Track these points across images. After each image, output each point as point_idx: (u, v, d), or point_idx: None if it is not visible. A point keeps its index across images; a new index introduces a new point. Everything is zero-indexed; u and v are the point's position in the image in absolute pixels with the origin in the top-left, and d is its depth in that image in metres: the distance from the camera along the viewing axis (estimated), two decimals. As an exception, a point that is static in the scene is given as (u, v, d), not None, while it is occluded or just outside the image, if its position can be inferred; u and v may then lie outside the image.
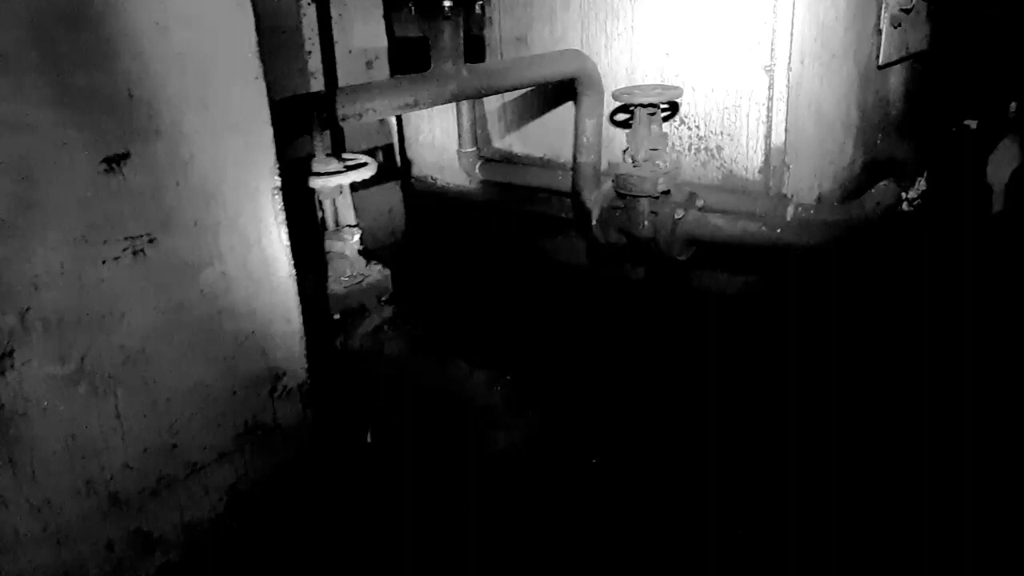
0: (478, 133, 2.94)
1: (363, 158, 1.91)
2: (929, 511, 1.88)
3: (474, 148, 2.93)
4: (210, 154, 1.27)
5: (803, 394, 2.24)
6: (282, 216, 1.38)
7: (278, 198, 1.38)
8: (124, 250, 1.16)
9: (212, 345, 1.29)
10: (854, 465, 2.04)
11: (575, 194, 2.49)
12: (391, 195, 3.19)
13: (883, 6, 2.41)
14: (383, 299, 1.82)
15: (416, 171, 3.23)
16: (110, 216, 1.14)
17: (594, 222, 2.41)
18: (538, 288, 2.79)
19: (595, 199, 2.41)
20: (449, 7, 2.08)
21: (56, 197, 1.08)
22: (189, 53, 1.22)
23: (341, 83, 2.88)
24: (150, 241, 1.20)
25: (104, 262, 1.14)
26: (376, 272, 1.86)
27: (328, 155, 1.85)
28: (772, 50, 2.11)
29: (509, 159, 2.88)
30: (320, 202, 1.87)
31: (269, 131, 1.36)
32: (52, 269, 1.08)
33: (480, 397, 1.56)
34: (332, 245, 1.81)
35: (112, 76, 1.12)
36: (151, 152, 1.18)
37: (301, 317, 1.42)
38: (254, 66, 1.33)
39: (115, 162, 1.15)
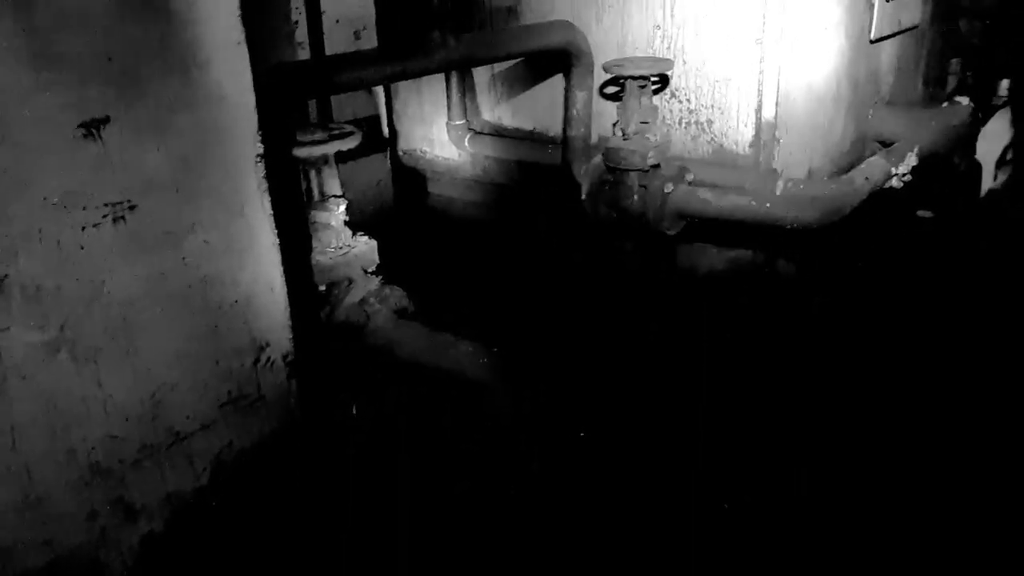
0: (468, 106, 2.90)
1: (349, 128, 1.88)
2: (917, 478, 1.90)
3: (463, 121, 2.89)
4: (191, 120, 1.25)
5: (789, 368, 2.25)
6: (265, 185, 1.36)
7: (261, 166, 1.36)
8: (104, 216, 1.14)
9: (195, 314, 1.28)
10: (842, 439, 2.05)
11: (565, 167, 2.47)
12: (379, 168, 3.16)
13: (877, -21, 2.39)
14: (369, 270, 1.81)
15: (404, 144, 3.19)
16: (89, 182, 1.12)
17: (584, 196, 2.39)
18: (527, 263, 2.78)
19: (585, 173, 2.39)
20: (438, -25, 2.05)
21: (32, 162, 1.06)
22: (170, 18, 1.19)
23: (329, 53, 2.84)
24: (131, 208, 1.18)
25: (84, 228, 1.12)
26: (362, 243, 1.85)
27: (313, 125, 1.83)
28: (763, 23, 2.09)
29: (499, 132, 2.85)
30: (306, 172, 1.85)
31: (251, 98, 1.34)
32: (30, 235, 1.06)
33: (466, 368, 1.55)
34: (318, 216, 1.79)
35: (90, 39, 1.09)
36: (131, 117, 1.16)
37: (285, 287, 1.40)
38: (236, 31, 1.30)
39: (93, 127, 1.13)
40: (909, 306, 2.49)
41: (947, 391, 2.22)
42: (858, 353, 2.35)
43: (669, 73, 2.28)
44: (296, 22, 2.72)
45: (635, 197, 2.24)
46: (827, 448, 2.02)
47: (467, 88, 2.88)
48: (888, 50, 2.58)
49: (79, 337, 1.13)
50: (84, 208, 1.12)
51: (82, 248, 1.13)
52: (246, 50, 1.32)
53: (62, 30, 1.07)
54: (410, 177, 3.22)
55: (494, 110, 2.87)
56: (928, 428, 2.11)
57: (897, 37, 2.58)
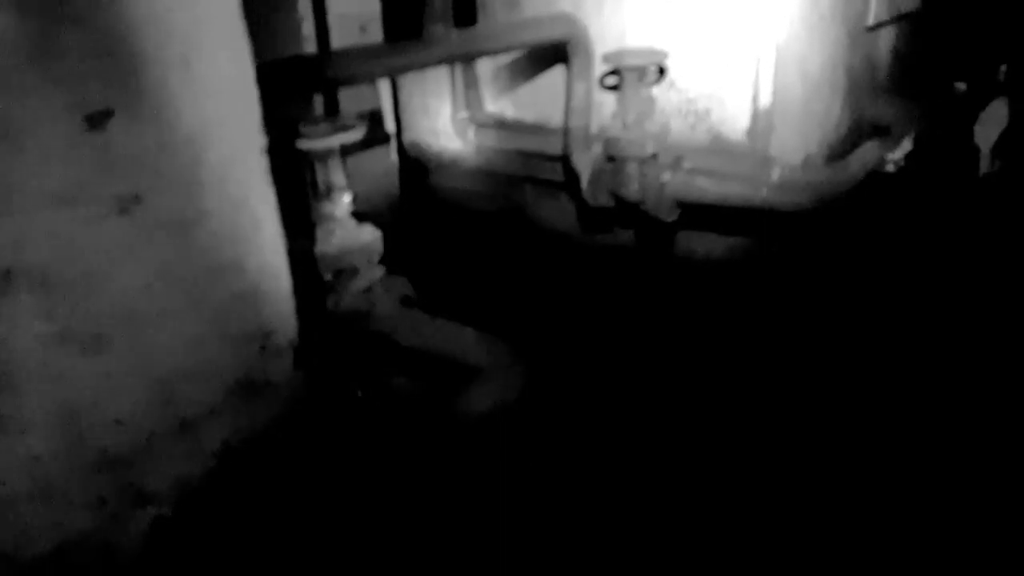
0: (471, 97, 2.94)
1: (353, 120, 1.91)
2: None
3: (467, 112, 2.93)
4: (195, 113, 1.28)
5: (785, 357, 2.28)
6: (269, 176, 1.40)
7: (265, 158, 1.39)
8: (110, 209, 1.18)
9: (202, 303, 1.31)
10: (840, 431, 2.08)
11: (566, 157, 2.50)
12: (384, 160, 3.20)
13: (874, -35, 2.40)
14: (373, 260, 1.85)
15: (409, 135, 3.23)
16: (94, 174, 1.15)
17: (584, 185, 2.43)
18: (530, 251, 2.81)
19: (585, 162, 2.43)
20: (438, -30, 2.08)
21: (37, 155, 1.08)
22: (171, 12, 1.22)
23: (335, 46, 2.88)
24: (137, 200, 1.21)
25: (89, 221, 1.15)
26: (367, 234, 1.88)
27: (318, 117, 1.87)
28: (760, 11, 2.11)
29: (502, 122, 2.88)
30: (311, 164, 1.88)
31: (254, 91, 1.37)
32: (36, 228, 1.09)
33: (469, 355, 1.59)
34: (322, 207, 1.82)
35: (93, 33, 1.12)
36: (135, 111, 1.19)
37: (290, 276, 1.44)
38: (238, 26, 1.33)
39: (98, 120, 1.16)
40: (905, 292, 2.51)
41: (940, 380, 2.24)
42: (857, 339, 2.37)
43: (667, 63, 2.30)
44: (303, 17, 2.76)
45: (634, 185, 2.28)
46: (825, 447, 2.04)
47: (470, 80, 2.91)
48: (885, 36, 2.60)
49: (87, 328, 1.16)
50: (90, 201, 1.15)
51: (89, 240, 1.16)
52: (248, 44, 1.35)
53: (63, 24, 1.10)
54: (415, 168, 3.26)
55: (497, 101, 2.90)
56: (916, 420, 2.13)
57: (895, 23, 2.60)
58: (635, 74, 2.21)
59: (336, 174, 1.85)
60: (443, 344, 1.61)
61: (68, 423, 1.18)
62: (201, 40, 1.28)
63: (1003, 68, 2.85)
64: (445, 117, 2.98)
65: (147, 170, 1.22)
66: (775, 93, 2.16)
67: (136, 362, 1.23)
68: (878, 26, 2.48)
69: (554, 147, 2.61)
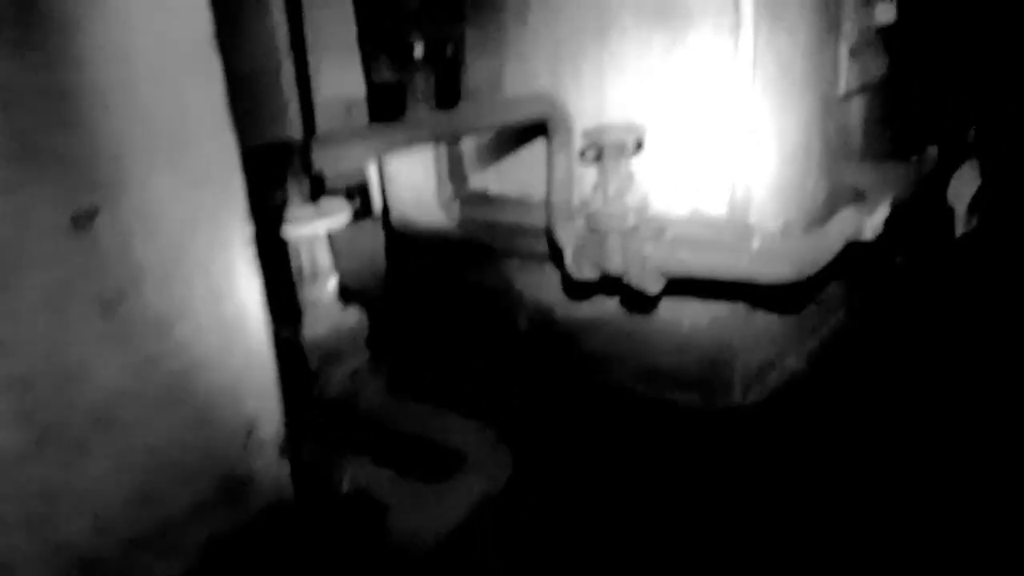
0: (455, 172, 2.99)
1: (339, 203, 1.94)
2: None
3: (452, 187, 2.98)
4: (180, 208, 1.29)
5: (776, 428, 2.27)
6: (254, 266, 1.40)
7: (250, 248, 1.40)
8: (93, 308, 1.18)
9: (184, 398, 1.30)
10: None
11: (549, 231, 2.54)
12: (371, 234, 3.22)
13: (841, 38, 2.49)
14: (360, 343, 1.85)
15: (395, 210, 3.27)
16: (78, 274, 1.15)
17: (568, 257, 2.45)
18: (515, 325, 2.82)
19: (568, 235, 2.45)
20: (420, 57, 2.15)
21: (20, 256, 1.08)
22: (157, 109, 1.24)
23: (320, 128, 2.93)
24: (120, 297, 1.22)
25: (73, 321, 1.15)
26: (353, 316, 1.89)
27: (304, 201, 1.89)
28: (735, 85, 2.17)
29: (486, 197, 2.93)
30: (297, 249, 1.90)
31: (240, 183, 1.38)
32: (19, 332, 1.09)
33: (455, 442, 1.58)
34: (308, 292, 1.84)
35: (78, 134, 1.13)
36: (121, 208, 1.20)
37: (276, 366, 1.43)
38: (223, 120, 1.35)
39: (84, 220, 1.17)
40: (888, 353, 2.53)
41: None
42: (842, 404, 2.37)
43: (645, 137, 2.35)
44: (288, 99, 2.82)
45: (617, 258, 2.30)
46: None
47: (454, 155, 2.97)
48: (857, 104, 2.67)
49: (66, 430, 1.15)
50: (73, 300, 1.15)
51: (71, 341, 1.15)
52: (234, 138, 1.37)
53: (52, 127, 1.11)
54: (401, 241, 3.29)
55: (481, 175, 2.95)
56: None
57: (866, 92, 2.68)
58: (614, 149, 2.25)
59: (322, 258, 1.86)
60: (428, 430, 1.60)
61: (47, 529, 1.16)
62: (188, 135, 1.30)
63: (972, 131, 2.94)
64: (430, 192, 3.02)
65: (131, 266, 1.22)
66: (752, 163, 2.21)
67: (115, 464, 1.21)
68: (849, 95, 2.56)
69: (537, 220, 2.65)
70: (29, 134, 1.10)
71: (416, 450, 1.59)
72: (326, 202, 1.88)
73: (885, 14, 2.48)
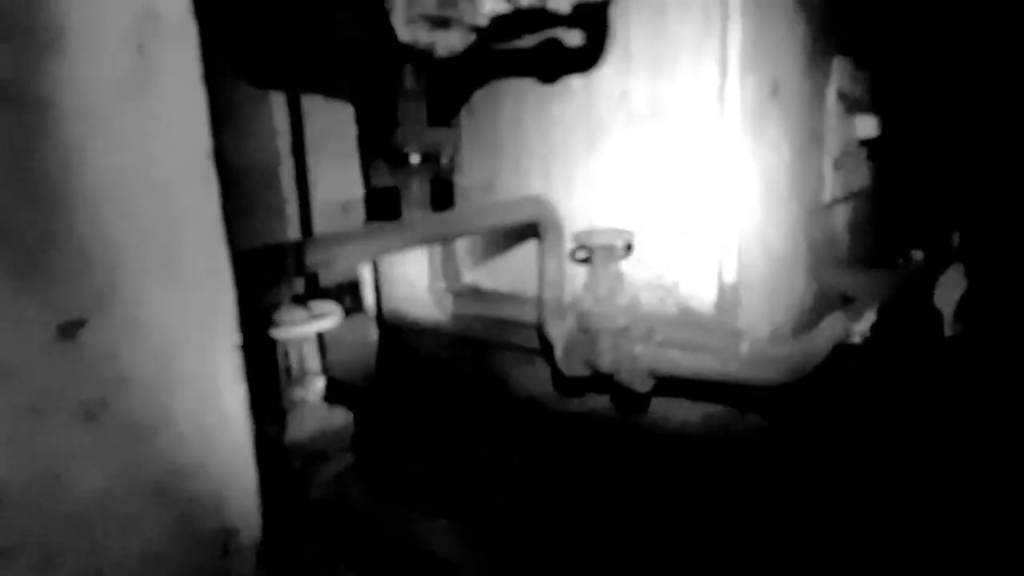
0: (448, 268, 3.04)
1: (329, 306, 1.96)
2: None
3: (445, 282, 3.02)
4: (168, 318, 1.30)
5: (765, 528, 2.24)
6: (241, 374, 1.41)
7: (237, 355, 1.41)
8: (75, 416, 1.17)
9: (163, 506, 1.29)
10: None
11: (540, 327, 2.56)
12: (363, 329, 3.24)
13: (825, 150, 2.57)
14: (345, 446, 1.84)
15: (388, 305, 3.30)
16: (63, 382, 1.15)
17: (559, 354, 2.47)
18: (507, 422, 2.80)
19: (559, 332, 2.48)
20: (416, 163, 2.22)
21: (6, 367, 1.09)
22: (151, 221, 1.26)
23: (318, 228, 3.00)
24: (103, 406, 1.22)
25: (54, 429, 1.15)
26: (339, 417, 1.88)
27: (294, 303, 1.91)
28: (722, 194, 2.23)
29: (478, 292, 2.96)
30: (285, 350, 1.91)
31: (231, 292, 1.40)
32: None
33: (442, 551, 1.55)
34: (294, 392, 1.83)
35: (68, 246, 1.14)
36: (109, 318, 1.20)
37: (257, 473, 1.42)
38: (217, 231, 1.38)
39: (71, 330, 1.18)
40: (879, 460, 2.51)
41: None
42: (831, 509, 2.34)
43: (633, 241, 2.40)
44: (287, 199, 2.89)
45: (608, 357, 2.31)
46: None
47: (448, 252, 3.02)
48: (842, 211, 2.74)
49: (42, 539, 1.13)
50: (56, 409, 1.15)
51: (51, 448, 1.15)
52: (227, 249, 1.39)
53: (43, 243, 1.14)
54: (394, 336, 3.30)
55: (474, 271, 3.00)
56: None
57: (850, 200, 2.75)
58: (604, 252, 2.30)
59: (311, 359, 1.87)
60: (414, 538, 1.57)
61: (9, 649, 1.13)
62: (181, 245, 1.32)
63: (956, 235, 3.01)
64: (423, 287, 3.06)
65: (116, 375, 1.23)
66: (739, 269, 2.24)
67: (92, 572, 1.19)
68: (834, 203, 2.62)
69: (529, 315, 2.67)
70: (19, 252, 1.12)
71: (402, 561, 1.56)
72: (317, 304, 1.90)
73: (867, 128, 2.57)
